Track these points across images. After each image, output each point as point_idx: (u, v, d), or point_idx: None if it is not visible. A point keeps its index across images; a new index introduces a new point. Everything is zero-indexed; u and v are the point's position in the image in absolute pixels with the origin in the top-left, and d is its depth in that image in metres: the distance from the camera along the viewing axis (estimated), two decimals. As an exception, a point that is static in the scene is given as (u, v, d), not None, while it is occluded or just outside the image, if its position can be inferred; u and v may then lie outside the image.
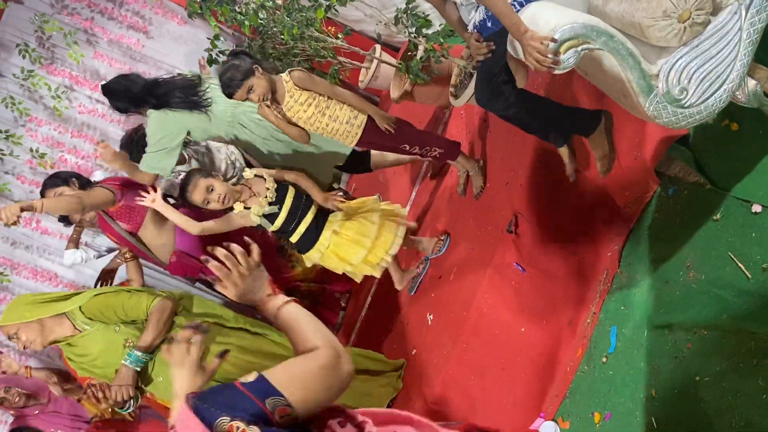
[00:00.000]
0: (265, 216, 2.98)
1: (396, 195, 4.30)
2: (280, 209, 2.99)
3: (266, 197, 2.97)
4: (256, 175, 3.04)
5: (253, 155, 3.42)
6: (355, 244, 3.05)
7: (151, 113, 3.11)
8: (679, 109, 2.02)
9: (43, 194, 3.30)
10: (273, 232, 3.07)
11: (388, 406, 3.14)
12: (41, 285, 5.24)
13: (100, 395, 2.81)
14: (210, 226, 2.99)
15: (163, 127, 3.10)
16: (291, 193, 3.03)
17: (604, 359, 2.57)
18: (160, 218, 3.33)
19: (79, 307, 2.90)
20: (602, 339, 2.62)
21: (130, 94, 3.15)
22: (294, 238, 3.04)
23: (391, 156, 3.51)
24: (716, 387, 2.02)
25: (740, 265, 2.09)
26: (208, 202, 2.91)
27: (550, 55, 1.92)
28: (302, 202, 3.04)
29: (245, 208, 2.97)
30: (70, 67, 5.15)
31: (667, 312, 2.33)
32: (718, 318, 2.11)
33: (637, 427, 2.28)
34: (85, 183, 3.35)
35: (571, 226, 2.80)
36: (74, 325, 2.91)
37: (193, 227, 2.99)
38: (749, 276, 2.05)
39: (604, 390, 2.50)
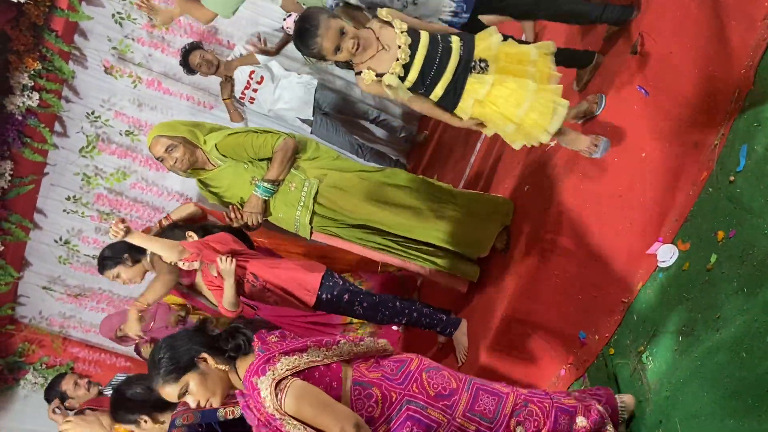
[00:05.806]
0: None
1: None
2: (412, 63, 2.37)
3: (398, 59, 2.36)
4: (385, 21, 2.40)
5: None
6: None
7: None
8: None
9: (101, 272, 3.43)
10: None
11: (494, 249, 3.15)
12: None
13: (232, 216, 3.13)
14: None
15: None
16: (424, 39, 2.38)
17: (731, 178, 2.46)
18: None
19: (215, 144, 3.13)
20: (730, 159, 2.50)
21: None
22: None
23: None
24: None
25: None
26: (338, 50, 2.35)
27: None
28: (439, 48, 2.38)
29: (377, 75, 2.39)
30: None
31: (807, 120, 2.19)
32: None
33: (765, 240, 2.20)
34: (138, 254, 3.36)
35: (702, 43, 2.62)
36: (209, 160, 3.17)
37: None
38: None
39: (730, 209, 2.42)
